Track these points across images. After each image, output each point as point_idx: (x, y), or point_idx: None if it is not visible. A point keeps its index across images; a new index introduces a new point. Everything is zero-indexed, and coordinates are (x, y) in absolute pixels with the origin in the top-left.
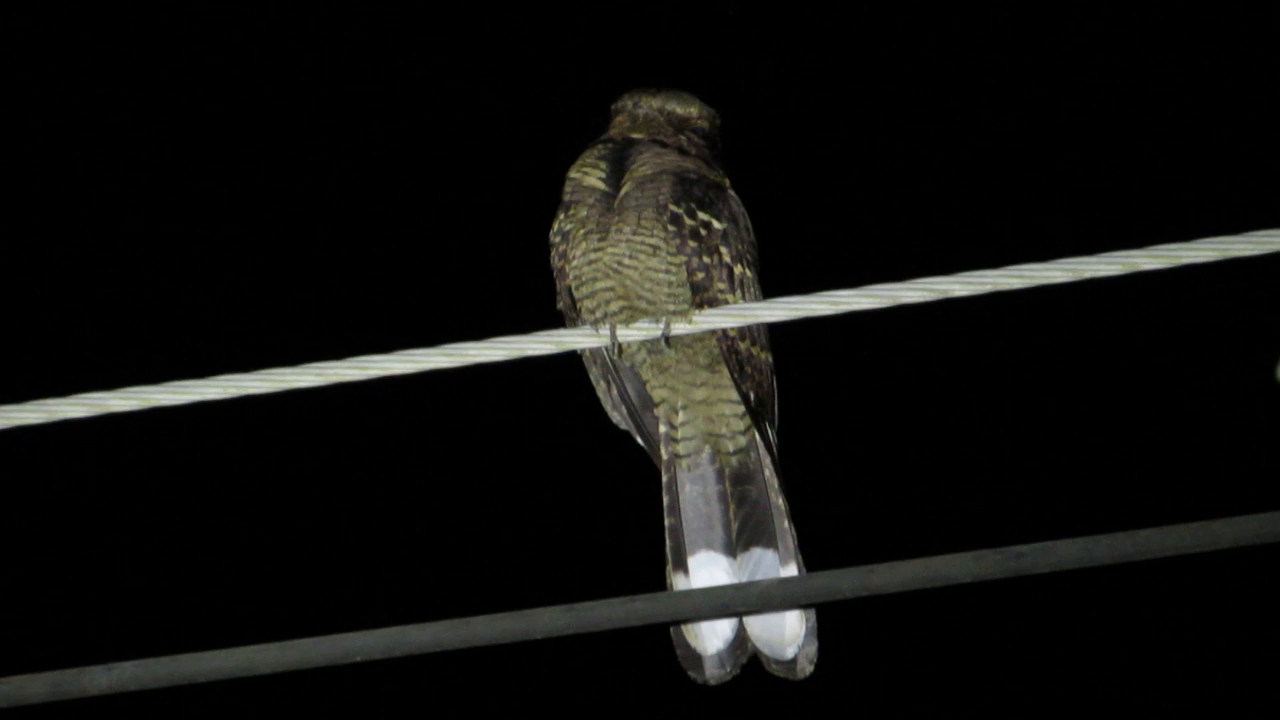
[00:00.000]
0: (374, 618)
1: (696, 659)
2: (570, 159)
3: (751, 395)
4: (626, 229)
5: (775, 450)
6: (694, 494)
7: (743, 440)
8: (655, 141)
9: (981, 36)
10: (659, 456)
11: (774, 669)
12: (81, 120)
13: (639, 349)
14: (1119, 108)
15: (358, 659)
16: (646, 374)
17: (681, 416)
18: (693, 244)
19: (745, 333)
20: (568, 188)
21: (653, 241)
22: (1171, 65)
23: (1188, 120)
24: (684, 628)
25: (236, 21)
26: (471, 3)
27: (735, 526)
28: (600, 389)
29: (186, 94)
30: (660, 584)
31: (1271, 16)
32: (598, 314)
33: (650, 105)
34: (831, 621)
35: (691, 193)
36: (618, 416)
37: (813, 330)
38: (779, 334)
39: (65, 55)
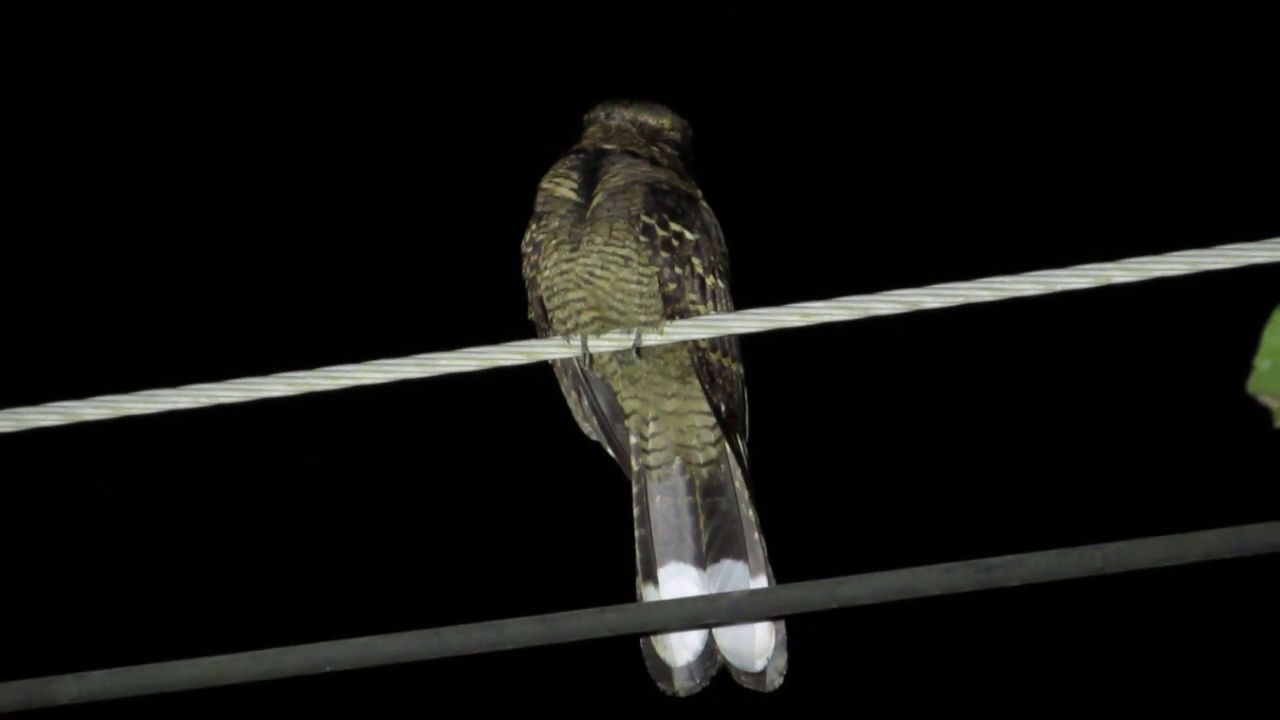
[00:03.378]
0: (345, 628)
1: (666, 670)
2: (542, 170)
3: (722, 406)
4: (598, 240)
5: (746, 462)
6: (664, 505)
7: (713, 451)
8: (627, 152)
9: (955, 43)
10: (629, 468)
11: (743, 681)
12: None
13: (610, 360)
14: (1092, 119)
15: (328, 669)
16: (617, 385)
17: (652, 428)
18: (665, 255)
19: (716, 344)
20: (539, 198)
21: (624, 252)
22: (1144, 77)
23: (1160, 133)
24: (654, 639)
25: (185, 41)
26: (436, 16)
27: (705, 538)
28: (571, 400)
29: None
30: (630, 595)
31: (1239, 30)
32: (569, 324)
33: (623, 116)
34: (801, 633)
35: (664, 203)
36: (588, 427)
37: (784, 341)
38: (750, 345)
39: (53, 56)
